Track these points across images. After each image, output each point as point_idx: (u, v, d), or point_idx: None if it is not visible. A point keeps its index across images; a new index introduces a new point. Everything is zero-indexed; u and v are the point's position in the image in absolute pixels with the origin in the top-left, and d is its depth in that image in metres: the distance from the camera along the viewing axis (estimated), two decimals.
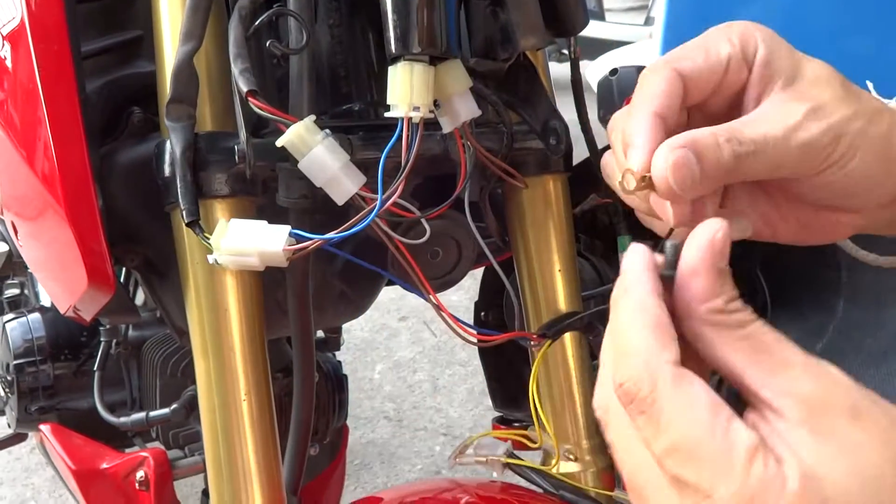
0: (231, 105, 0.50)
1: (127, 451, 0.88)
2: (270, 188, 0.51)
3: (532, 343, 0.60)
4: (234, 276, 0.51)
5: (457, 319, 0.52)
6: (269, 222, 0.47)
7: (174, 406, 0.86)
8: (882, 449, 0.28)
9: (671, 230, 0.37)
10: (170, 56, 0.50)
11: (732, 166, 0.37)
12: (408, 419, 2.01)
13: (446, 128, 0.49)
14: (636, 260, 0.32)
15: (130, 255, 0.59)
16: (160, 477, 0.80)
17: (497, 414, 0.87)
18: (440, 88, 0.46)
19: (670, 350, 0.30)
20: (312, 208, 0.50)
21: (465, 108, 0.48)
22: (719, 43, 0.41)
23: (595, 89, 0.85)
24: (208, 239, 0.46)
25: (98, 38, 0.56)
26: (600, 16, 3.90)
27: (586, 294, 0.63)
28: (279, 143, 0.45)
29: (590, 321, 0.59)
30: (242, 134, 0.47)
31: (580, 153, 0.63)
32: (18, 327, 1.03)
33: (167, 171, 0.50)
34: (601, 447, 0.64)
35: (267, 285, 0.54)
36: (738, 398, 0.31)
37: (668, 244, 0.33)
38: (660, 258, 0.33)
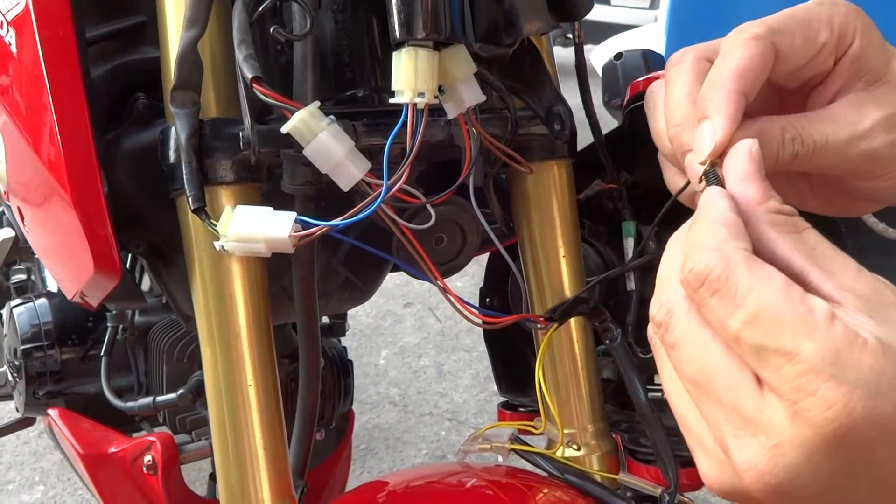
0: (235, 91, 0.50)
1: (134, 435, 0.89)
2: (275, 174, 0.51)
3: (539, 326, 0.60)
4: (240, 263, 0.51)
5: (463, 301, 0.52)
6: (275, 209, 0.47)
7: (181, 391, 0.87)
8: None
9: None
10: (174, 42, 0.50)
11: (788, 162, 0.38)
12: (413, 404, 2.02)
13: (451, 113, 0.49)
14: (713, 193, 0.34)
15: (136, 241, 0.59)
16: (168, 461, 0.80)
17: (502, 399, 0.87)
18: (444, 74, 0.46)
19: (744, 240, 0.31)
20: (317, 195, 0.50)
21: (470, 94, 0.48)
22: (820, 27, 0.39)
23: (600, 73, 0.84)
24: (215, 225, 0.46)
25: (102, 23, 0.56)
26: None
27: (591, 279, 0.63)
28: (284, 129, 0.45)
29: (596, 306, 0.59)
30: (247, 120, 0.47)
31: (584, 138, 0.63)
32: (26, 312, 1.03)
33: (172, 157, 0.50)
34: (606, 431, 0.65)
35: (272, 271, 0.54)
36: None
37: (710, 170, 0.36)
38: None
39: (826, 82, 0.41)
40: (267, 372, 0.52)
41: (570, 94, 0.60)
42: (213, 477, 0.96)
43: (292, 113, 0.45)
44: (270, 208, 0.46)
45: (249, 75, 0.44)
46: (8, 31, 0.54)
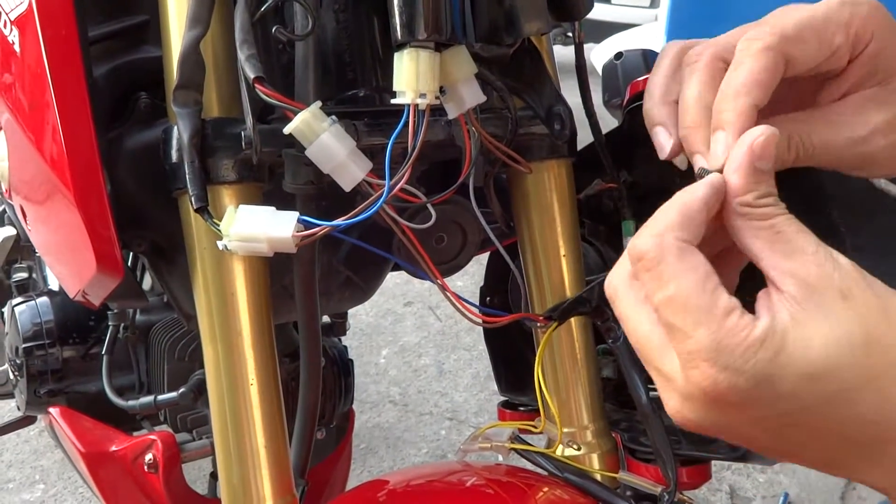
0: (237, 91, 0.50)
1: (135, 434, 0.89)
2: (277, 174, 0.52)
3: (539, 325, 0.60)
4: (242, 262, 0.51)
5: (462, 300, 0.52)
6: (276, 208, 0.47)
7: (182, 390, 0.87)
8: (857, 327, 0.34)
9: None
10: (176, 41, 0.50)
11: (790, 162, 0.41)
12: (413, 403, 2.02)
13: (451, 113, 0.49)
14: (700, 182, 0.38)
15: (138, 240, 0.59)
16: (169, 459, 0.81)
17: (502, 398, 0.87)
18: (445, 75, 0.46)
19: (686, 230, 0.36)
20: (319, 194, 0.50)
21: (471, 94, 0.48)
22: (837, 30, 0.40)
23: (599, 72, 0.84)
24: (217, 225, 0.46)
25: (105, 22, 0.56)
26: None
27: (591, 279, 0.63)
28: (287, 130, 0.45)
29: (599, 304, 0.59)
30: (249, 120, 0.47)
31: (584, 137, 0.63)
32: (27, 311, 1.04)
33: (174, 156, 0.50)
34: (606, 430, 0.65)
35: (273, 270, 0.54)
36: None
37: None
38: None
39: (839, 78, 0.42)
40: (268, 371, 0.52)
41: (570, 93, 0.60)
42: (213, 475, 0.97)
43: (294, 113, 0.45)
44: (273, 208, 0.46)
45: (252, 75, 0.44)
46: (11, 30, 0.54)
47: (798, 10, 0.41)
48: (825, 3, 0.41)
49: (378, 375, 2.14)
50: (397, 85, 0.45)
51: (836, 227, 0.62)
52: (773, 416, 0.35)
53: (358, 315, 2.37)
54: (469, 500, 0.61)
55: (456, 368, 2.16)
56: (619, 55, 0.81)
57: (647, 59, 0.79)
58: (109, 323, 0.99)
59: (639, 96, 0.71)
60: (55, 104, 0.50)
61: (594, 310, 0.59)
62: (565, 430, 0.64)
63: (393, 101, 0.45)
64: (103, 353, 0.98)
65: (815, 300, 0.34)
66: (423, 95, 0.44)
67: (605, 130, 0.64)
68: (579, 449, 0.63)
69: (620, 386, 0.79)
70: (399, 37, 0.44)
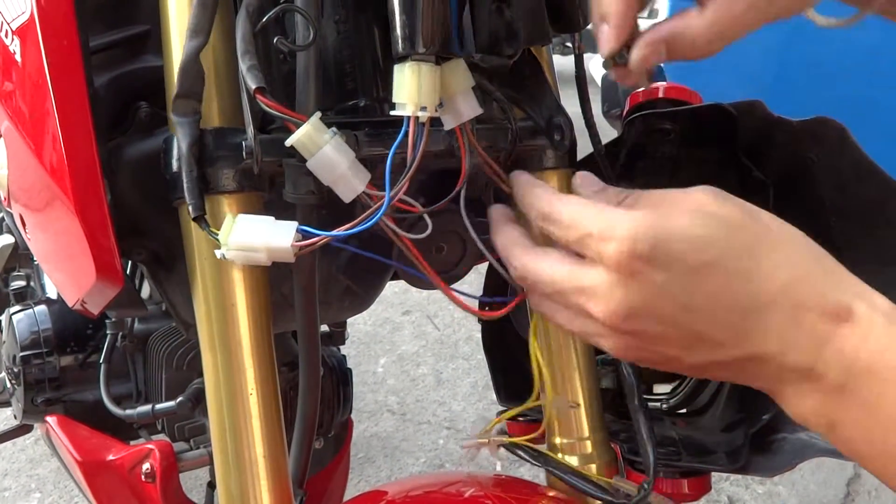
0: (238, 101, 0.50)
1: (132, 443, 0.89)
2: (277, 183, 0.52)
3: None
4: (242, 271, 0.51)
5: (461, 295, 0.53)
6: (276, 217, 0.47)
7: (180, 399, 0.87)
8: (730, 208, 0.43)
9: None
10: (177, 51, 0.51)
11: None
12: (411, 413, 2.02)
13: (448, 125, 0.49)
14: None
15: (137, 248, 0.59)
16: (166, 469, 0.80)
17: (501, 408, 0.87)
18: (444, 87, 0.47)
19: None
20: (319, 204, 0.50)
21: (468, 107, 0.49)
22: None
23: (598, 81, 0.85)
24: (215, 234, 0.46)
25: (106, 32, 0.56)
26: None
27: None
28: (289, 142, 0.45)
29: None
30: (250, 130, 0.47)
31: (584, 147, 0.63)
32: (25, 319, 1.04)
33: (175, 166, 0.50)
34: (605, 441, 0.65)
35: (272, 279, 0.54)
36: None
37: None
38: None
39: None
40: (268, 380, 0.52)
41: (569, 103, 0.60)
42: (210, 485, 0.96)
43: (294, 124, 0.45)
44: (272, 217, 0.46)
45: (253, 85, 0.44)
46: (13, 39, 0.54)
47: None
48: None
49: (376, 384, 2.14)
50: (397, 97, 0.45)
51: (834, 237, 0.62)
52: (672, 280, 0.41)
53: (356, 324, 2.36)
54: None
55: (454, 377, 2.16)
56: None
57: None
58: (107, 332, 0.99)
59: (638, 107, 0.71)
60: (56, 113, 0.50)
61: None
62: (565, 440, 0.63)
63: (392, 112, 0.45)
64: (101, 361, 0.97)
65: (686, 199, 0.43)
66: (423, 109, 0.45)
67: (604, 141, 0.64)
68: (579, 459, 0.63)
69: (619, 397, 0.79)
70: (401, 49, 0.45)
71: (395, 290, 2.42)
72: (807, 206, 0.63)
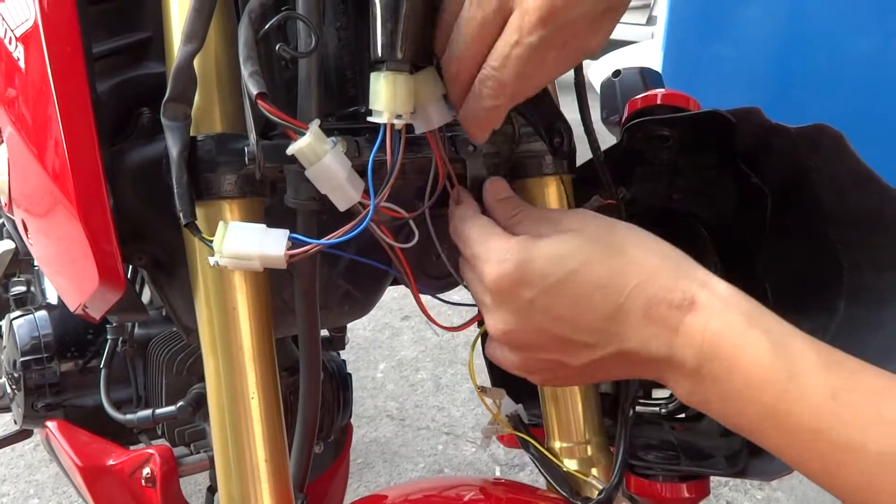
0: (241, 107, 0.51)
1: (132, 448, 0.89)
2: (278, 189, 0.52)
3: None
4: (243, 276, 0.51)
5: (428, 312, 0.57)
6: (277, 223, 0.48)
7: (180, 403, 0.87)
8: (586, 226, 0.48)
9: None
10: None
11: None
12: (410, 418, 2.02)
13: (419, 130, 0.50)
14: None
15: (138, 253, 0.59)
16: (166, 474, 0.80)
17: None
18: (416, 96, 0.48)
19: (472, 208, 0.55)
20: (320, 209, 0.50)
21: (438, 114, 0.50)
22: None
23: (597, 89, 0.85)
24: (207, 241, 0.47)
25: (109, 38, 0.57)
26: None
27: None
28: (289, 151, 0.46)
29: None
30: (252, 136, 0.48)
31: (583, 154, 0.64)
32: (25, 324, 1.04)
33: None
34: (604, 445, 0.65)
35: (273, 284, 0.54)
36: None
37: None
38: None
39: None
40: (269, 384, 0.52)
41: (569, 109, 0.60)
42: (210, 490, 0.96)
43: (296, 132, 0.46)
44: (264, 225, 0.47)
45: (255, 91, 0.45)
46: (17, 46, 0.55)
47: None
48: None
49: (375, 390, 2.14)
50: (374, 104, 0.46)
51: (832, 244, 0.62)
52: (539, 296, 0.47)
53: (355, 329, 2.36)
54: None
55: (453, 383, 2.16)
56: (616, 73, 0.82)
57: (645, 77, 0.80)
58: (108, 337, 0.99)
59: (637, 114, 0.71)
60: (59, 119, 0.50)
61: None
62: (565, 444, 0.64)
63: (369, 118, 0.46)
64: (101, 366, 0.98)
65: (556, 218, 0.50)
66: (399, 116, 0.46)
67: (603, 147, 0.65)
68: (578, 462, 0.63)
69: (618, 401, 0.79)
70: (380, 54, 0.45)
71: (394, 296, 2.42)
72: (805, 213, 0.64)
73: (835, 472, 0.40)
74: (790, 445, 0.42)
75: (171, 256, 0.59)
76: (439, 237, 0.56)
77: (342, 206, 0.48)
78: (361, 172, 0.48)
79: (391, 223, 0.52)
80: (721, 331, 0.43)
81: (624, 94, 0.79)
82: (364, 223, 0.47)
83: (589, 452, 0.64)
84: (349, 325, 1.21)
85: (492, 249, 0.49)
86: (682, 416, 0.77)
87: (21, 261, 1.31)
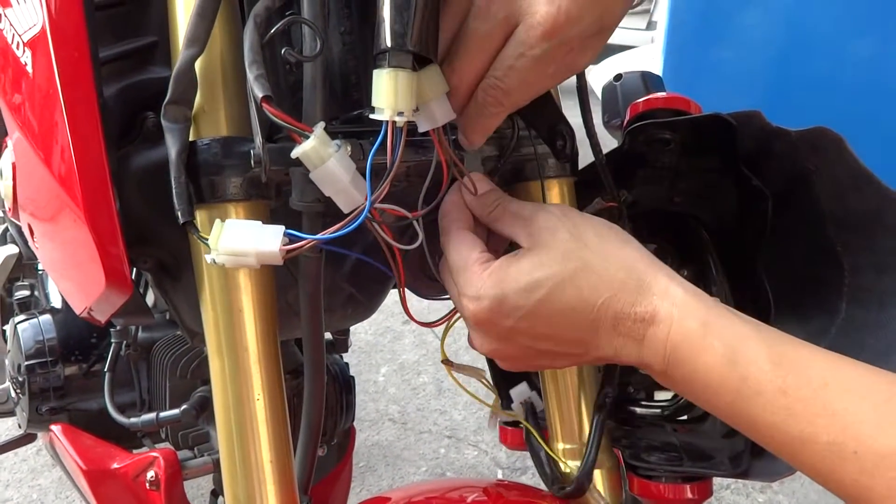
0: (246, 110, 0.51)
1: (136, 451, 0.89)
2: (284, 191, 0.52)
3: None
4: (249, 277, 0.52)
5: (409, 311, 0.58)
6: (285, 225, 0.48)
7: (184, 407, 0.87)
8: (553, 250, 0.50)
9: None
10: None
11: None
12: (412, 421, 2.02)
13: (423, 128, 0.50)
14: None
15: (144, 256, 0.60)
16: (170, 477, 0.81)
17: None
18: (420, 93, 0.48)
19: (460, 220, 0.55)
20: (325, 212, 0.51)
21: (442, 112, 0.50)
22: None
23: (598, 93, 0.85)
24: (205, 239, 0.47)
25: (115, 43, 0.57)
26: None
27: None
28: (294, 154, 0.46)
29: None
30: (258, 139, 0.48)
31: (585, 157, 0.64)
32: (30, 328, 1.04)
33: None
34: (607, 447, 0.65)
35: (278, 287, 0.55)
36: None
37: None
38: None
39: None
40: (274, 386, 0.52)
41: (571, 113, 0.61)
42: (214, 493, 0.97)
43: (300, 135, 0.46)
44: (259, 222, 0.47)
45: (260, 95, 0.45)
46: (24, 51, 0.55)
47: None
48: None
49: (377, 393, 2.14)
50: (376, 102, 0.46)
51: (833, 246, 0.63)
52: (517, 323, 0.50)
53: (357, 333, 2.37)
54: None
55: (455, 386, 2.16)
56: (618, 76, 0.82)
57: (646, 81, 0.80)
58: (112, 340, 0.99)
59: (638, 117, 0.72)
60: (66, 123, 0.51)
61: None
62: (568, 445, 0.64)
63: (371, 116, 0.46)
64: (105, 370, 0.98)
65: (536, 240, 0.51)
66: (400, 114, 0.46)
67: (605, 150, 0.65)
68: (581, 464, 0.63)
69: (621, 403, 0.79)
70: (389, 43, 0.45)
71: (395, 300, 2.40)
72: (805, 215, 0.64)
73: (797, 461, 0.44)
74: (755, 436, 0.46)
75: (176, 260, 0.60)
76: (433, 242, 0.57)
77: (346, 209, 0.48)
78: (365, 175, 0.49)
79: (395, 224, 0.52)
80: (679, 341, 0.47)
81: (625, 97, 0.79)
82: (360, 219, 0.47)
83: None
84: (351, 329, 1.21)
85: (467, 284, 0.51)
86: (685, 417, 0.77)
87: (25, 265, 1.32)
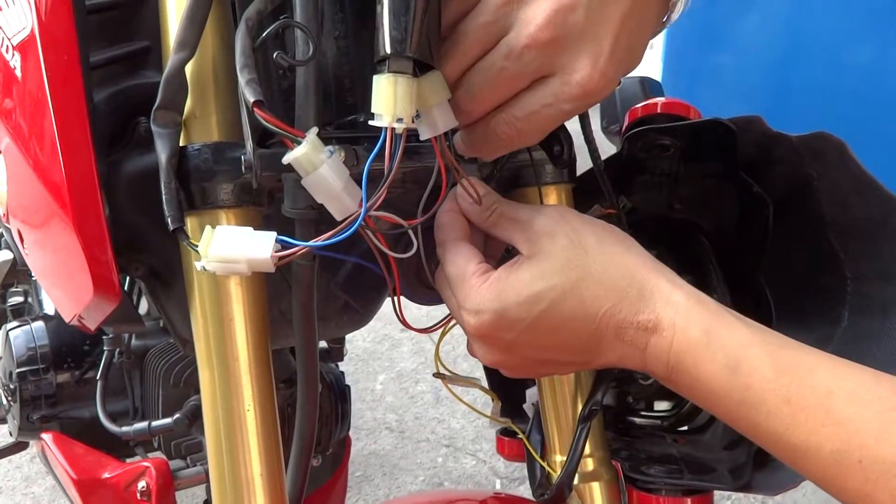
0: (238, 115, 0.50)
1: (128, 461, 0.88)
2: (276, 198, 0.52)
3: None
4: (240, 286, 0.51)
5: (404, 317, 0.57)
6: (277, 232, 0.47)
7: (177, 416, 0.86)
8: (554, 260, 0.49)
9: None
10: None
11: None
12: (410, 430, 2.01)
13: (424, 136, 0.49)
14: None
15: (135, 263, 0.59)
16: (162, 487, 0.80)
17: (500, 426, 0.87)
18: (421, 99, 0.47)
19: (456, 231, 0.55)
20: (318, 219, 0.50)
21: (443, 120, 0.49)
22: None
23: None
24: (195, 246, 0.46)
25: (106, 48, 0.56)
26: None
27: None
28: (286, 160, 0.45)
29: None
30: (249, 145, 0.47)
31: (583, 164, 0.64)
32: (22, 335, 1.03)
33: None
34: (606, 459, 0.64)
35: (271, 295, 0.54)
36: None
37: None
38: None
39: None
40: (265, 396, 0.51)
41: (569, 120, 0.60)
42: (207, 503, 0.96)
43: (293, 141, 0.45)
44: (251, 228, 0.46)
45: (251, 99, 0.44)
46: (13, 55, 0.54)
47: None
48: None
49: (374, 402, 2.13)
50: (375, 108, 0.45)
51: (835, 253, 0.62)
52: (519, 335, 0.50)
53: (354, 341, 2.36)
54: None
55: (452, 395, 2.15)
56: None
57: (645, 85, 0.80)
58: (104, 348, 0.98)
59: (637, 123, 0.71)
60: (56, 129, 0.50)
61: None
62: (563, 458, 0.63)
63: (371, 122, 0.45)
64: (98, 378, 0.97)
65: (535, 248, 0.50)
66: (399, 120, 0.45)
67: (603, 157, 0.64)
68: (580, 476, 0.62)
69: (620, 414, 0.78)
70: (388, 50, 0.44)
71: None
72: (807, 222, 0.63)
73: (802, 469, 0.44)
74: (760, 442, 0.46)
75: (167, 267, 0.59)
76: (430, 248, 0.56)
77: (338, 216, 0.47)
78: (360, 182, 0.48)
79: (389, 231, 0.51)
80: (682, 349, 0.47)
81: (624, 102, 0.78)
82: (353, 227, 0.46)
83: (591, 466, 0.63)
84: (348, 337, 1.20)
85: (467, 297, 0.51)
86: (685, 427, 0.76)
87: (19, 271, 1.31)
